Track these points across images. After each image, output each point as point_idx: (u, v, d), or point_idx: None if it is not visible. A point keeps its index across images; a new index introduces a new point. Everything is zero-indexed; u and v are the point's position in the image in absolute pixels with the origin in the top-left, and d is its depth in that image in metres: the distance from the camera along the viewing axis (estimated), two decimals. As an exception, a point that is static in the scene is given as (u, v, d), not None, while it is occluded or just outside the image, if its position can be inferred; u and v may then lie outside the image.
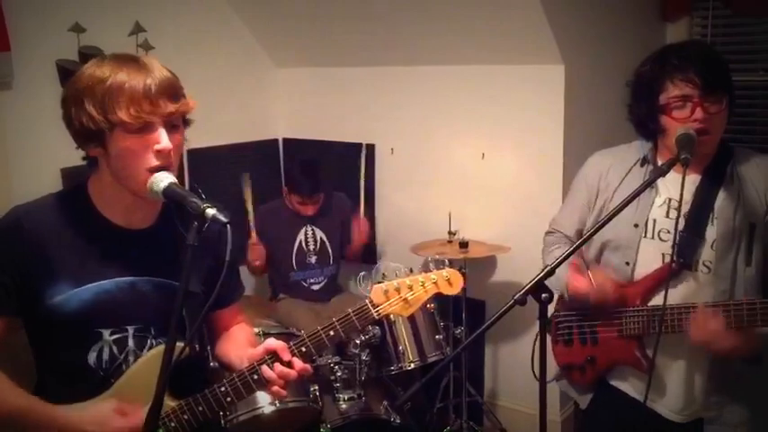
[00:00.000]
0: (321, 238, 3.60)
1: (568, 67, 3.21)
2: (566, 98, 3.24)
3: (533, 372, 2.03)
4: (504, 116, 3.43)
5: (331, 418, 2.67)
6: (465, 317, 3.23)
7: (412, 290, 1.58)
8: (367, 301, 1.58)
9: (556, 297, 2.06)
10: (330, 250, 3.62)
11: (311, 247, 3.57)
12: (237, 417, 2.45)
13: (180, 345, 1.39)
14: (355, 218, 3.63)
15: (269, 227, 3.52)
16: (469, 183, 3.59)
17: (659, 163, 1.88)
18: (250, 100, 4.05)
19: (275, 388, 1.56)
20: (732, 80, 1.82)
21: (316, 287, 3.59)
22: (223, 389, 1.55)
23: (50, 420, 1.49)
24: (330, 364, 2.80)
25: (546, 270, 1.62)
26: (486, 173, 3.53)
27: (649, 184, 1.76)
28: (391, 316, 2.85)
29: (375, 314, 1.58)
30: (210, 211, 1.37)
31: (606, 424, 2.03)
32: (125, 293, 1.55)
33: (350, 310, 1.59)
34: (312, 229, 3.58)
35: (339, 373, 2.80)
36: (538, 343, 2.01)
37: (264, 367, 1.54)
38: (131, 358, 1.56)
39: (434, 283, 1.59)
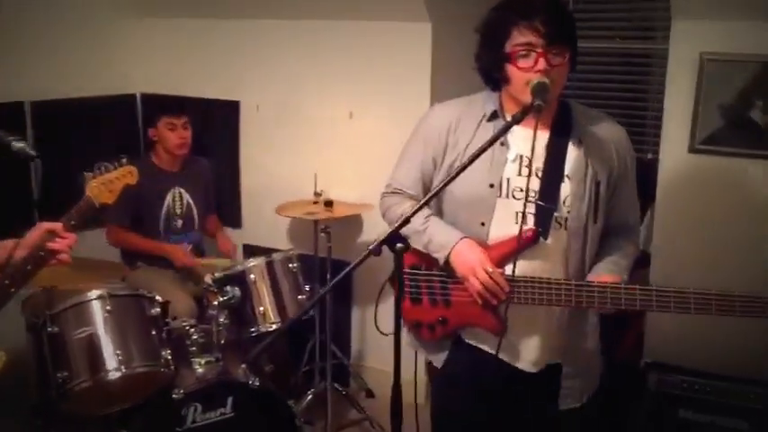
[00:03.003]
0: (188, 202, 3.41)
1: (435, 25, 3.19)
2: (433, 57, 3.23)
3: (377, 327, 2.01)
4: (371, 74, 3.38)
5: (186, 383, 2.54)
6: (330, 277, 3.18)
7: (112, 182, 2.17)
8: (88, 194, 2.11)
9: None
10: (196, 215, 3.44)
11: (178, 211, 3.38)
12: (80, 383, 2.29)
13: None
14: (221, 235, 3.55)
15: (139, 185, 3.23)
16: (337, 142, 3.52)
17: (508, 117, 1.85)
18: (103, 51, 3.77)
19: (64, 256, 1.96)
20: (576, 36, 1.82)
21: None
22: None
23: None
24: (185, 326, 2.66)
25: (402, 219, 1.64)
26: (354, 132, 3.48)
27: (502, 133, 1.75)
28: (251, 276, 2.79)
29: (96, 203, 2.12)
30: (18, 145, 1.38)
31: (464, 381, 2.01)
32: None
33: (82, 199, 2.11)
34: (180, 192, 3.38)
35: (195, 337, 2.66)
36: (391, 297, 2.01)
37: (49, 243, 1.93)
38: None
39: (124, 175, 2.21)
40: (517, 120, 1.75)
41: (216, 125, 3.78)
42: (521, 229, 1.77)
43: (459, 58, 3.33)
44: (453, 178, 1.69)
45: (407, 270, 2.01)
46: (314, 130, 3.57)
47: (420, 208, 1.68)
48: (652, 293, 1.77)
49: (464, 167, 1.67)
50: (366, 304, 3.63)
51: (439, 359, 2.05)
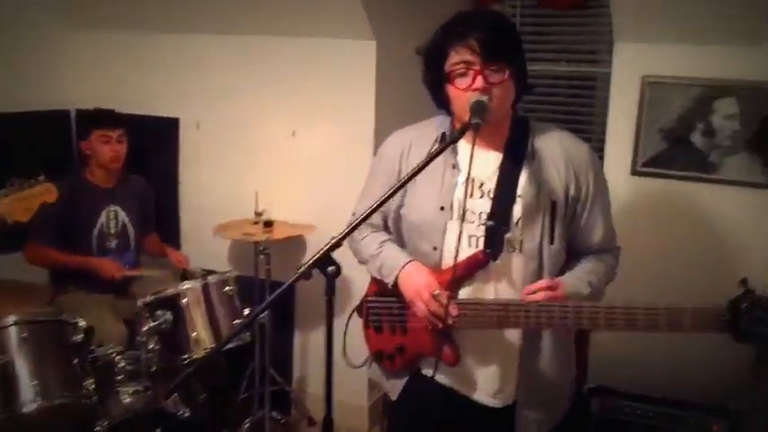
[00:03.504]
0: (123, 221, 3.26)
1: (380, 43, 3.14)
2: (377, 75, 3.17)
3: (345, 355, 1.94)
4: (315, 92, 3.30)
5: (111, 414, 2.40)
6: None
7: (26, 200, 2.06)
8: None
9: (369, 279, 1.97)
10: (131, 235, 3.29)
11: (113, 230, 3.22)
12: (-9, 418, 2.13)
13: None
14: (170, 250, 3.43)
15: (70, 203, 3.04)
16: (279, 161, 3.43)
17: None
18: (36, 66, 3.61)
19: None
20: (520, 52, 1.78)
21: None
22: None
23: None
24: (112, 354, 2.51)
25: (331, 243, 1.62)
26: (297, 151, 3.39)
27: (441, 151, 1.70)
28: (184, 299, 2.66)
29: (9, 220, 2.02)
30: None
31: (418, 414, 1.93)
32: None
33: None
34: (115, 210, 3.23)
35: (123, 364, 2.52)
36: (350, 324, 1.96)
37: None
38: None
39: (42, 193, 2.10)
40: (455, 138, 1.72)
41: (154, 143, 3.65)
42: (457, 252, 1.68)
43: (404, 77, 3.29)
44: (390, 197, 1.64)
45: (372, 298, 1.97)
46: (256, 149, 3.47)
47: (353, 229, 1.66)
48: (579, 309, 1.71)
49: (400, 186, 1.64)
50: (309, 328, 3.52)
51: (395, 391, 1.99)
